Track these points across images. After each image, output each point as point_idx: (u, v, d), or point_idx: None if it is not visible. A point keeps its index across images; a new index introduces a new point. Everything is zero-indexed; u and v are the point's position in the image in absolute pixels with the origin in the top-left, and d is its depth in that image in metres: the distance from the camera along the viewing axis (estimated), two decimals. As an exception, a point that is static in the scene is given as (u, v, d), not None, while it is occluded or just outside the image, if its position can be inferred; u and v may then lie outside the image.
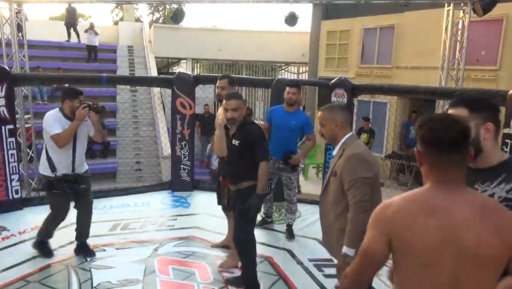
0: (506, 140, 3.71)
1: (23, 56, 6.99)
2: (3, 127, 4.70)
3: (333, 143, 2.50)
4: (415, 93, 4.87)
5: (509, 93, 3.79)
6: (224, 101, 3.23)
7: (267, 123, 4.46)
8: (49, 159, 3.60)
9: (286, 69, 17.73)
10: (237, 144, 3.17)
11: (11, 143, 4.78)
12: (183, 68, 18.09)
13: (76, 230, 3.92)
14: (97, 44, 13.60)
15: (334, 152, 2.47)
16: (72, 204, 3.85)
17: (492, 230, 1.25)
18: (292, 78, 17.55)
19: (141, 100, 12.56)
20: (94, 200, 5.42)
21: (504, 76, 8.14)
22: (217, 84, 3.97)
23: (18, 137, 5.42)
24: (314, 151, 10.16)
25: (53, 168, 3.59)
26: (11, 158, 4.79)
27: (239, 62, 16.73)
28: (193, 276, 3.59)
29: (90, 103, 3.71)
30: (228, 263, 3.75)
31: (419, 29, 9.17)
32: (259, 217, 4.76)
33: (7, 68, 5.08)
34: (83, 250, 3.92)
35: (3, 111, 4.69)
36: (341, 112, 2.50)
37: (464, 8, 6.21)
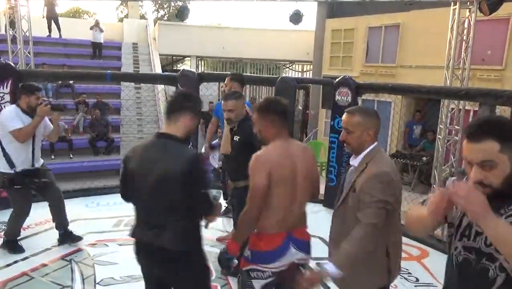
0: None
1: (28, 52, 7.01)
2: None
3: (355, 152, 2.12)
4: (419, 92, 4.85)
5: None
6: (222, 101, 3.28)
7: (215, 118, 4.76)
8: (5, 155, 3.60)
9: (290, 68, 17.71)
10: (237, 139, 3.23)
11: (16, 139, 4.78)
12: (187, 66, 18.12)
13: (53, 221, 4.00)
14: (102, 41, 13.63)
15: (355, 164, 2.10)
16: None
17: (310, 161, 2.32)
18: (296, 76, 17.54)
19: (145, 97, 12.58)
20: (99, 196, 5.53)
21: (509, 76, 8.08)
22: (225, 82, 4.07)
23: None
24: (318, 149, 10.17)
25: (11, 164, 3.60)
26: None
27: (243, 60, 16.73)
28: (196, 273, 3.60)
29: (51, 100, 3.79)
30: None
31: (425, 28, 9.12)
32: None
33: (12, 64, 5.11)
34: (68, 238, 4.00)
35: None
36: (377, 118, 2.14)
37: (470, 7, 6.17)
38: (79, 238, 4.03)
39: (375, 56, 10.80)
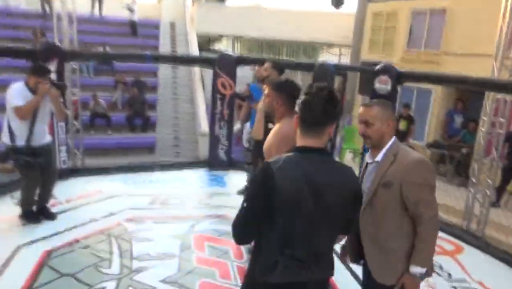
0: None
1: (72, 30, 7.18)
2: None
3: (376, 146, 2.05)
4: (465, 83, 4.65)
5: None
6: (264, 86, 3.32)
7: (248, 102, 4.82)
8: (9, 128, 3.72)
9: (328, 50, 17.36)
10: (271, 128, 3.25)
11: (61, 115, 4.99)
12: (223, 45, 18.13)
13: (38, 197, 4.07)
14: (135, 19, 13.74)
15: (378, 158, 2.03)
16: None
17: None
18: (333, 59, 17.20)
19: (182, 76, 12.73)
20: (136, 174, 5.71)
21: None
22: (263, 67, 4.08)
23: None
24: (352, 135, 10.01)
25: (12, 137, 3.72)
26: (60, 130, 5.03)
27: (279, 41, 16.54)
28: (227, 254, 3.70)
29: (52, 79, 3.78)
30: None
31: (473, 14, 8.65)
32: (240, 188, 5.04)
33: (58, 44, 5.29)
34: (43, 214, 4.08)
35: (54, 85, 4.89)
36: (392, 111, 2.13)
37: (526, -8, 5.77)
38: (53, 216, 4.09)
39: (418, 42, 10.39)
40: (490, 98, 6.23)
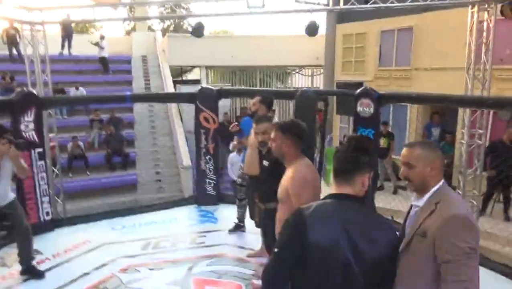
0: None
1: (44, 73, 7.02)
2: (32, 151, 4.72)
3: (419, 190, 1.88)
4: (445, 101, 4.75)
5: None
6: (254, 125, 3.33)
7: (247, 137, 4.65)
8: None
9: (300, 72, 17.65)
10: (266, 164, 3.22)
11: (41, 166, 4.82)
12: (195, 75, 18.18)
13: (18, 255, 3.87)
14: (105, 55, 13.62)
15: (420, 203, 1.87)
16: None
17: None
18: (305, 80, 17.51)
19: (158, 110, 12.62)
20: (123, 218, 5.51)
21: (529, 75, 7.95)
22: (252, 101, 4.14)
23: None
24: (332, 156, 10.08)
25: None
26: (42, 181, 4.82)
27: (252, 67, 16.72)
28: (231, 298, 3.56)
29: (12, 138, 3.65)
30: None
31: (439, 29, 9.02)
32: (232, 223, 4.96)
33: (34, 92, 5.13)
34: (28, 273, 3.87)
35: (32, 135, 4.72)
36: (439, 152, 1.91)
37: (489, 9, 6.05)
38: (40, 275, 3.88)
39: (389, 60, 10.70)
40: (467, 111, 6.42)
